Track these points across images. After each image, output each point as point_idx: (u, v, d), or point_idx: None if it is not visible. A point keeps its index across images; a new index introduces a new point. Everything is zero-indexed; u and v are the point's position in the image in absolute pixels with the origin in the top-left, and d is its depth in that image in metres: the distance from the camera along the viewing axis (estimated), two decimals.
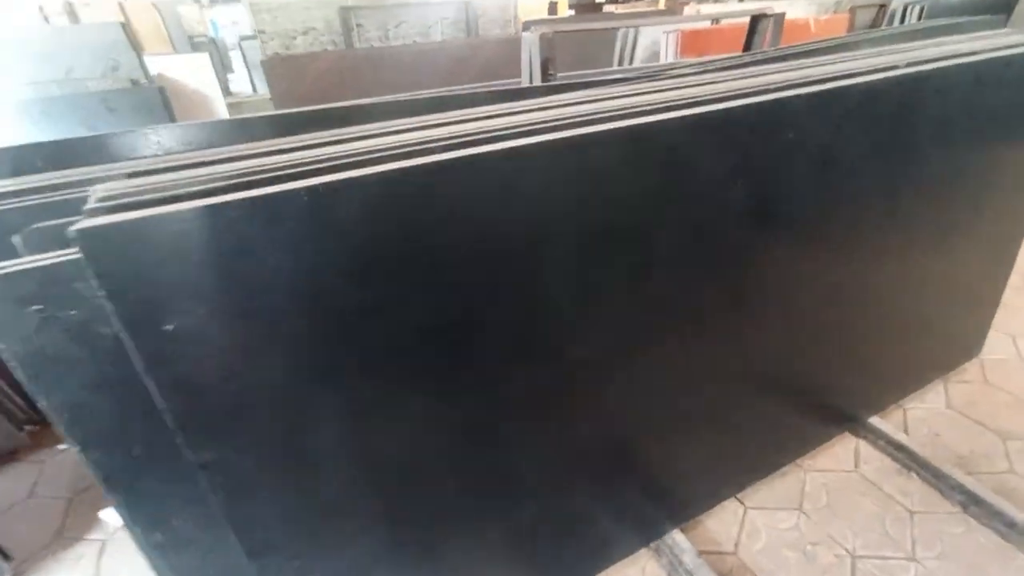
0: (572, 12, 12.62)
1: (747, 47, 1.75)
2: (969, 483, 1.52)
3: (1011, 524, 1.42)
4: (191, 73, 4.41)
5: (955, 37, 1.74)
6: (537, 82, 1.36)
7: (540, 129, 0.87)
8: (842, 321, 1.52)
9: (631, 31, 6.03)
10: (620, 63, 6.10)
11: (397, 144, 0.81)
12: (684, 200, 1.01)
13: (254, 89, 5.60)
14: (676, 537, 1.42)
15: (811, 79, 1.15)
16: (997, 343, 2.14)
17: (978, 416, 1.80)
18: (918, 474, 1.61)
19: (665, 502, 1.43)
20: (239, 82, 5.89)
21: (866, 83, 1.13)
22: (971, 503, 1.50)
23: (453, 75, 4.02)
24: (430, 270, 0.79)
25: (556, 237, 0.89)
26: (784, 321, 1.39)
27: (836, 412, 1.74)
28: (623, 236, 0.97)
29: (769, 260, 1.22)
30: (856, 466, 1.65)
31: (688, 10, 9.42)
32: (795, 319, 1.41)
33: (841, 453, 1.70)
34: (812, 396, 1.65)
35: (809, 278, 1.36)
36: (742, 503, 1.56)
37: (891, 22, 7.06)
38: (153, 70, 3.98)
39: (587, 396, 1.12)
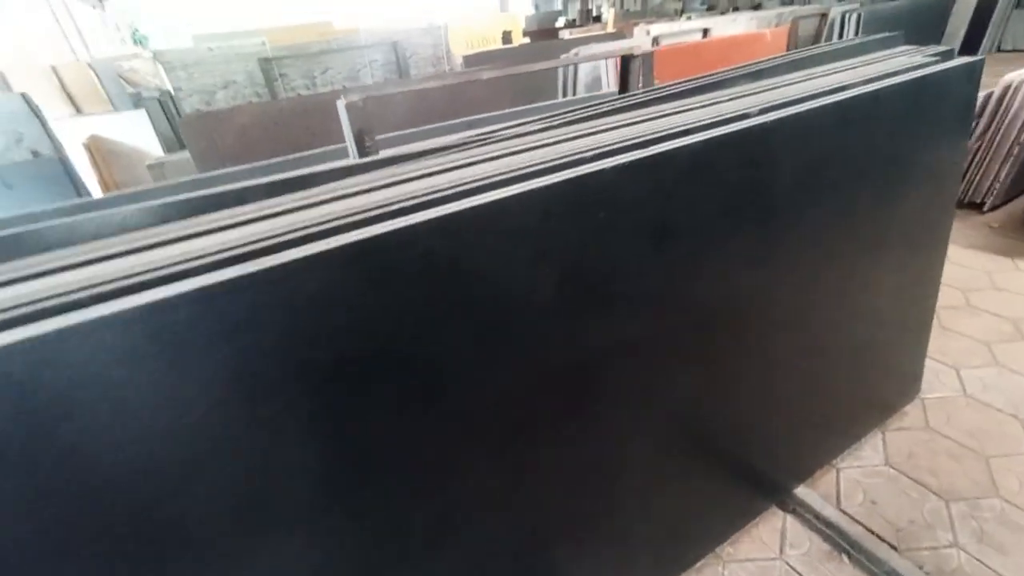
0: (527, 39, 12.76)
1: (622, 88, 1.60)
2: (906, 569, 1.31)
3: None
4: (127, 132, 4.27)
5: (851, 61, 1.62)
6: (356, 154, 1.18)
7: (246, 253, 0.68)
8: (760, 377, 1.35)
9: (572, 56, 6.01)
10: (564, 93, 6.06)
11: None
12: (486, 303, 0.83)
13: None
14: None
15: (640, 139, 0.99)
16: (939, 377, 1.96)
17: (919, 474, 1.61)
18: (850, 556, 1.40)
19: None
20: None
21: (700, 142, 0.96)
22: None
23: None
24: None
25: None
26: (691, 390, 1.21)
27: (760, 484, 1.54)
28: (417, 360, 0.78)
29: (649, 337, 1.05)
30: (781, 551, 1.44)
31: (637, 31, 9.55)
32: (704, 384, 1.24)
33: (766, 535, 1.49)
34: (730, 469, 1.46)
35: (710, 342, 1.19)
36: None
37: (831, 33, 7.14)
38: (87, 132, 3.87)
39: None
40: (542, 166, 0.91)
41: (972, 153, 3.21)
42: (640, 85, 1.63)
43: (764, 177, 1.10)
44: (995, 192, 3.16)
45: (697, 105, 1.30)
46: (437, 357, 0.82)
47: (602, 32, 11.32)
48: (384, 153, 1.24)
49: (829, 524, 1.46)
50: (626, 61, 1.57)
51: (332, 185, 1.04)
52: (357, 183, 1.01)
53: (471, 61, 7.73)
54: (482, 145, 1.18)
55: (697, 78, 1.55)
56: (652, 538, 1.28)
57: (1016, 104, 2.97)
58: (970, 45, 8.81)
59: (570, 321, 0.95)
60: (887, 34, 1.92)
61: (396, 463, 0.85)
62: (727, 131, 1.01)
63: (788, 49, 7.40)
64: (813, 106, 1.10)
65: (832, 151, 1.19)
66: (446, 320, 0.80)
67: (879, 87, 1.20)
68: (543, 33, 13.52)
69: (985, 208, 3.20)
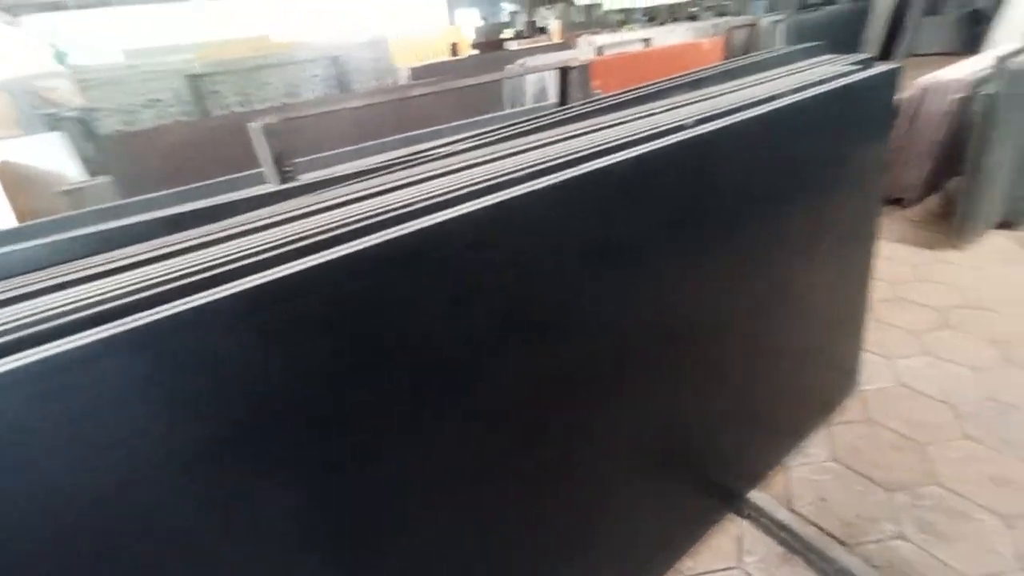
0: (476, 51, 12.82)
1: (561, 100, 1.59)
2: (856, 567, 1.33)
3: None
4: (43, 156, 3.96)
5: (780, 70, 1.66)
6: (273, 180, 1.10)
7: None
8: (710, 386, 1.35)
9: (518, 67, 6.04)
10: (512, 105, 6.08)
11: None
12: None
13: None
14: None
15: (577, 154, 0.96)
16: (876, 369, 2.04)
17: (863, 467, 1.65)
18: (804, 558, 1.42)
19: None
20: None
21: (636, 156, 0.94)
22: None
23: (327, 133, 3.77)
24: None
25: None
26: (642, 404, 1.19)
27: (716, 493, 1.54)
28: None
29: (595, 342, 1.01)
30: (740, 559, 1.44)
31: (581, 41, 9.75)
32: (656, 397, 1.22)
33: (724, 544, 1.48)
34: (686, 482, 1.45)
35: (659, 355, 1.17)
36: None
37: (762, 42, 7.51)
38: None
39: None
40: (471, 188, 0.86)
41: (894, 152, 3.41)
42: (580, 96, 1.62)
43: (702, 187, 1.10)
44: (915, 187, 3.37)
45: (635, 116, 1.29)
46: (363, 414, 0.75)
47: (548, 43, 11.52)
48: (306, 177, 1.17)
49: (783, 527, 1.47)
50: (564, 73, 1.55)
51: (243, 217, 0.96)
52: (272, 214, 0.93)
53: (418, 73, 7.65)
54: (411, 166, 1.12)
55: (635, 88, 1.56)
56: (610, 559, 1.24)
57: (931, 105, 3.19)
58: (887, 50, 9.49)
59: (509, 352, 0.90)
60: (812, 44, 2.00)
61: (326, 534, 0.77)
62: (663, 144, 1.00)
63: (724, 57, 7.74)
64: (746, 116, 1.11)
65: (766, 158, 1.21)
66: (368, 370, 0.74)
67: (808, 95, 1.23)
68: (490, 45, 13.61)
69: (906, 204, 3.41)
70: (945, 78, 3.13)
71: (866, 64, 1.55)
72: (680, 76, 1.65)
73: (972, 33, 8.76)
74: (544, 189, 0.84)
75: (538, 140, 1.18)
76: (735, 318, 1.34)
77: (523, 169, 0.92)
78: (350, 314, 0.70)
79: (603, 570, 1.25)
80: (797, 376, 1.66)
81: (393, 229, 0.74)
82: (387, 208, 0.82)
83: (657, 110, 1.32)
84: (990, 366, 1.99)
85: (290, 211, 0.91)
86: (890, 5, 9.23)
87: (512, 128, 1.32)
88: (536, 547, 1.11)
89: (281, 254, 0.70)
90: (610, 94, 1.50)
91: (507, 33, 18.97)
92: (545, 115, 1.38)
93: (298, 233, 0.78)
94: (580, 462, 1.12)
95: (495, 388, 0.90)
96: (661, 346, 1.18)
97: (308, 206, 0.92)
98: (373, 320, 0.72)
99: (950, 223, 2.94)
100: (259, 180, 1.30)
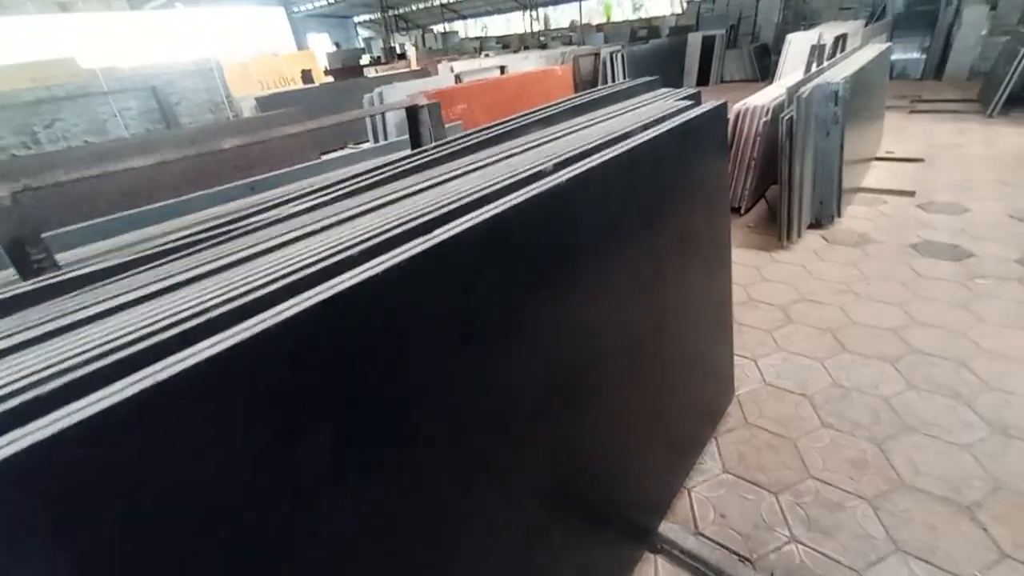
0: (330, 78, 12.22)
1: (413, 143, 1.45)
2: None
3: None
4: None
5: (626, 104, 1.71)
6: (11, 276, 0.78)
7: None
8: (607, 428, 1.27)
9: (376, 96, 5.82)
10: (375, 137, 5.81)
11: None
12: None
13: None
14: None
15: (428, 214, 0.81)
16: (743, 371, 2.21)
17: (751, 473, 1.73)
18: None
19: None
20: None
21: (495, 215, 0.83)
22: None
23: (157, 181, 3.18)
24: None
25: None
26: (539, 461, 1.06)
27: (627, 533, 1.48)
28: None
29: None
30: None
31: (441, 68, 9.82)
32: (554, 453, 1.10)
33: None
34: (597, 526, 1.36)
35: (549, 410, 1.05)
36: None
37: (604, 68, 8.22)
38: None
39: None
40: (295, 276, 0.67)
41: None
42: (432, 134, 1.49)
43: (567, 228, 1.02)
44: (745, 197, 3.86)
45: (491, 159, 1.19)
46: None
47: (406, 70, 11.40)
48: (69, 264, 0.86)
49: (693, 556, 1.46)
50: (412, 113, 1.41)
51: None
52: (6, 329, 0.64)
53: (266, 104, 7.00)
54: (220, 242, 0.88)
55: (490, 128, 1.47)
56: None
57: (746, 127, 3.67)
58: (702, 77, 11.08)
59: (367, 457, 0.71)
60: (649, 78, 2.12)
61: None
62: (525, 195, 0.90)
63: (574, 82, 8.29)
64: (604, 157, 1.07)
65: (624, 191, 1.18)
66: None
67: (658, 131, 1.24)
68: (347, 71, 13.13)
69: (742, 211, 3.88)
70: (754, 104, 3.63)
71: (694, 98, 1.67)
72: (535, 111, 1.62)
73: (763, 64, 10.62)
74: (386, 272, 0.68)
75: (385, 195, 1.01)
76: (620, 349, 1.30)
77: (367, 239, 0.75)
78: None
79: None
80: (686, 393, 1.70)
81: (175, 357, 0.52)
82: (171, 317, 0.59)
83: (515, 150, 1.25)
84: (828, 353, 2.27)
85: (34, 324, 0.62)
86: (699, 41, 10.82)
87: (355, 182, 1.13)
88: None
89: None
90: (465, 134, 1.39)
91: (364, 59, 18.54)
92: (395, 163, 1.22)
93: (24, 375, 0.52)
94: (493, 515, 0.96)
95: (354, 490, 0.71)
96: (550, 397, 1.08)
97: (55, 316, 0.65)
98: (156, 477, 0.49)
99: (775, 225, 3.39)
100: None
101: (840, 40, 4.87)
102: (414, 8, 23.34)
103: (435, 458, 0.82)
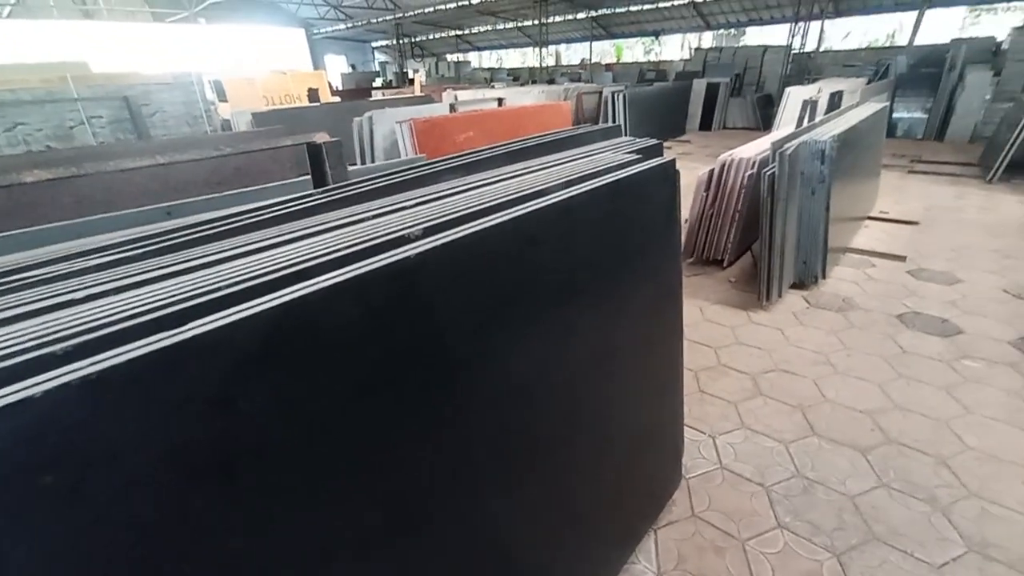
0: (337, 99, 12.39)
1: (315, 182, 1.28)
2: None
3: None
4: None
5: (561, 155, 1.56)
6: None
7: None
8: (530, 501, 1.07)
9: (365, 121, 5.77)
10: (362, 158, 5.74)
11: None
12: None
13: None
14: None
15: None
16: (699, 449, 1.99)
17: None
18: None
19: None
20: None
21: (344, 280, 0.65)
22: None
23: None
24: None
25: None
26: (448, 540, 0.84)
27: None
28: None
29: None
30: None
31: (446, 96, 9.92)
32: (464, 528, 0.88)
33: None
34: None
35: (477, 490, 0.84)
36: None
37: (606, 108, 8.23)
38: None
39: None
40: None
41: (708, 219, 3.72)
42: (331, 174, 1.33)
43: (453, 297, 0.84)
44: (729, 250, 3.69)
45: (376, 211, 1.02)
46: None
47: (410, 95, 11.55)
48: None
49: None
50: (313, 152, 1.25)
51: None
52: None
53: (261, 120, 6.99)
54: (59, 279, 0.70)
55: (400, 171, 1.31)
56: None
57: (731, 178, 3.54)
58: (706, 122, 11.14)
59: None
60: (608, 125, 1.98)
61: None
62: (387, 261, 0.72)
63: (575, 118, 8.31)
64: (496, 221, 0.90)
65: (544, 252, 1.01)
66: None
67: (585, 188, 1.08)
68: (355, 92, 13.32)
69: (725, 264, 3.71)
70: (739, 156, 3.51)
71: (650, 151, 1.51)
72: (464, 155, 1.46)
73: (765, 113, 10.67)
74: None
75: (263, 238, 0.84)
76: (544, 421, 1.10)
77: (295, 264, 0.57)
78: None
79: None
80: (623, 475, 1.48)
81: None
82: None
83: (406, 202, 1.08)
84: (795, 436, 2.05)
85: None
86: (704, 88, 10.92)
87: (245, 218, 0.97)
88: None
89: None
90: (359, 181, 1.22)
91: (377, 82, 18.93)
92: (285, 203, 1.05)
93: None
94: None
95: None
96: (487, 475, 0.89)
97: None
98: None
99: (757, 282, 3.20)
100: None
101: (836, 97, 4.80)
102: (430, 37, 23.95)
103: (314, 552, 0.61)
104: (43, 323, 0.57)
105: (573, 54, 22.22)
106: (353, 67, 22.82)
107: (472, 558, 1.02)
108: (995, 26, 9.66)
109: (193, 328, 0.56)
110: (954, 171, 6.33)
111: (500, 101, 6.92)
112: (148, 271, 0.73)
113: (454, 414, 0.91)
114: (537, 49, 21.40)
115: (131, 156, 2.05)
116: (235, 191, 1.81)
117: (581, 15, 18.34)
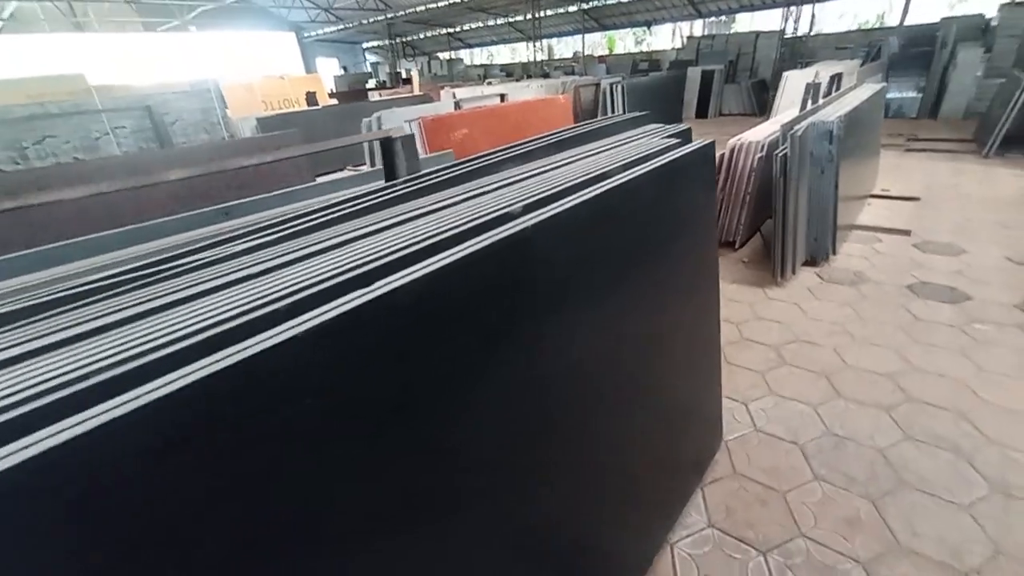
0: (335, 101, 12.42)
1: (388, 175, 1.40)
2: None
3: None
4: None
5: (618, 138, 1.67)
6: None
7: None
8: (587, 473, 1.19)
9: (375, 121, 5.86)
10: (371, 160, 5.83)
11: None
12: None
13: None
14: None
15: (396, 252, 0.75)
16: (733, 415, 2.12)
17: (738, 530, 1.63)
18: None
19: None
20: None
21: (467, 255, 0.77)
22: None
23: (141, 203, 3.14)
24: None
25: None
26: (520, 517, 0.97)
27: None
28: None
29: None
30: None
31: (444, 94, 9.98)
32: (527, 499, 1.01)
33: None
34: None
35: (535, 459, 0.97)
36: None
37: (604, 101, 8.33)
38: None
39: None
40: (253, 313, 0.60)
41: (720, 202, 3.85)
42: (408, 166, 1.44)
43: (545, 270, 0.96)
44: (740, 231, 3.82)
45: (465, 195, 1.14)
46: None
47: (409, 95, 11.60)
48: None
49: None
50: (387, 145, 1.37)
51: None
52: None
53: (267, 124, 7.07)
54: (174, 275, 0.82)
55: (468, 161, 1.43)
56: None
57: (741, 161, 3.66)
58: (701, 110, 11.25)
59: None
60: (639, 113, 2.10)
61: None
62: (492, 239, 0.84)
63: (575, 111, 8.40)
64: (581, 198, 1.02)
65: (601, 232, 1.12)
66: None
67: (640, 171, 1.19)
68: (352, 94, 13.35)
69: (736, 246, 3.84)
70: (749, 139, 3.63)
71: (685, 136, 1.63)
72: (517, 145, 1.58)
73: (761, 99, 10.79)
74: (337, 319, 0.61)
75: (359, 227, 0.95)
76: (602, 394, 1.22)
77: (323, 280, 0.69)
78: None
79: None
80: (672, 439, 1.61)
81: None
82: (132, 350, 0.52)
83: (488, 187, 1.20)
84: (822, 399, 2.18)
85: None
86: (699, 76, 11.02)
87: (329, 213, 1.08)
88: None
89: None
90: (440, 169, 1.34)
91: (371, 83, 18.91)
92: (367, 196, 1.17)
93: None
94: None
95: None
96: (544, 448, 1.01)
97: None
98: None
99: (770, 261, 3.34)
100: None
101: (836, 79, 4.93)
102: (421, 36, 23.93)
103: (397, 525, 0.73)
104: (256, 286, 0.69)
105: (565, 47, 22.26)
106: (345, 69, 22.78)
107: (545, 511, 1.14)
108: (984, 3, 9.79)
109: (378, 287, 0.68)
110: (950, 148, 6.47)
111: (503, 97, 7.00)
112: (310, 245, 0.85)
113: (541, 375, 1.03)
114: (528, 44, 21.42)
115: (171, 165, 2.11)
116: (287, 189, 1.92)
117: (572, 8, 18.38)
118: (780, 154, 2.99)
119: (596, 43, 21.43)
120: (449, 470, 0.84)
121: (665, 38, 19.25)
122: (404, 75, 18.81)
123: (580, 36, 19.99)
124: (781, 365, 2.44)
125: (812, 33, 13.41)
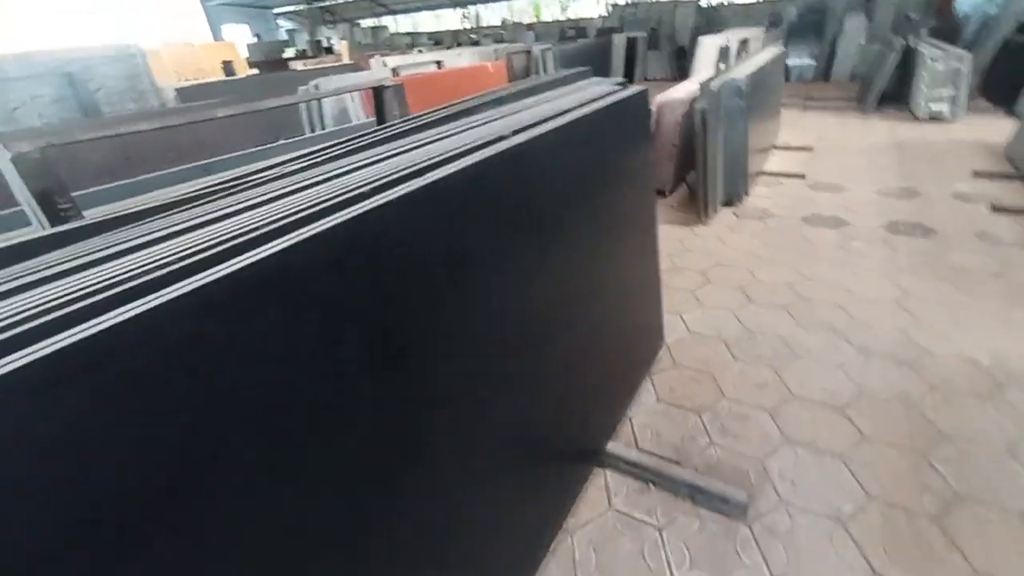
0: (255, 71, 11.68)
1: (379, 120, 1.62)
2: (688, 476, 1.67)
3: (726, 501, 1.60)
4: None
5: (565, 89, 1.97)
6: (41, 219, 0.89)
7: None
8: (564, 370, 1.52)
9: (312, 89, 5.75)
10: (311, 128, 5.74)
11: None
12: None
13: None
14: None
15: (411, 168, 1.01)
16: (672, 325, 2.57)
17: (678, 400, 2.07)
18: (654, 484, 1.71)
19: None
20: None
21: (475, 163, 1.04)
22: (695, 493, 1.65)
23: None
24: None
25: None
26: (509, 400, 1.27)
27: (580, 455, 1.75)
28: None
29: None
30: (609, 503, 1.67)
31: (374, 63, 9.71)
32: (522, 391, 1.32)
33: (595, 495, 1.70)
34: (555, 454, 1.61)
35: (515, 350, 1.27)
36: None
37: (536, 65, 8.53)
38: None
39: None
40: (320, 207, 0.85)
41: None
42: (396, 114, 1.67)
43: (525, 190, 1.26)
44: (669, 181, 4.30)
45: (453, 131, 1.40)
46: (212, 464, 0.68)
47: (338, 63, 11.16)
48: (92, 214, 0.97)
49: (635, 464, 1.75)
50: (378, 92, 1.58)
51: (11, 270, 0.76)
52: (50, 262, 0.76)
53: (187, 95, 6.66)
54: (229, 194, 1.03)
55: (448, 106, 1.67)
56: (497, 538, 1.32)
57: (666, 116, 4.10)
58: (628, 75, 11.77)
59: (373, 369, 0.90)
60: (581, 68, 2.41)
61: None
62: (492, 152, 1.12)
63: (508, 78, 8.58)
64: (554, 126, 1.31)
65: (572, 161, 1.43)
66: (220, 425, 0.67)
67: (600, 106, 1.51)
68: (272, 64, 12.58)
69: (666, 194, 4.32)
70: (672, 97, 4.06)
71: (624, 85, 1.97)
72: (485, 94, 1.83)
73: (680, 64, 11.47)
74: (397, 199, 0.88)
75: (365, 158, 1.19)
76: (573, 303, 1.55)
77: (368, 184, 0.94)
78: (199, 360, 0.63)
79: (495, 547, 1.32)
80: (626, 344, 1.99)
81: (249, 254, 0.69)
82: (225, 235, 0.75)
83: (474, 124, 1.46)
84: (739, 306, 2.68)
85: (86, 253, 0.76)
86: (624, 42, 11.48)
87: (337, 148, 1.30)
88: (423, 531, 1.12)
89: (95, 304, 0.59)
90: (424, 112, 1.58)
91: (289, 52, 17.76)
92: (367, 134, 1.40)
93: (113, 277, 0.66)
94: (467, 452, 1.17)
95: (361, 400, 0.90)
96: (521, 339, 1.31)
97: (105, 246, 0.78)
98: (225, 365, 0.66)
99: (695, 205, 3.84)
100: (15, 222, 1.05)
101: (744, 43, 5.49)
102: (341, 1, 22.64)
103: (422, 391, 1.02)
104: (255, 215, 0.93)
105: (492, 14, 22.01)
106: (258, 36, 21.14)
107: (532, 402, 1.48)
108: None
109: (379, 198, 0.95)
110: (838, 106, 7.38)
111: (439, 64, 7.03)
112: (299, 183, 1.08)
113: (540, 268, 1.34)
114: (455, 10, 20.91)
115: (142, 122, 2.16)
116: (272, 144, 2.06)
117: None
118: (700, 108, 3.43)
119: (522, 10, 21.38)
120: (480, 336, 1.13)
121: (589, 4, 19.58)
122: (325, 43, 17.85)
123: (506, 2, 19.84)
124: (707, 284, 2.93)
125: (725, 3, 14.27)
